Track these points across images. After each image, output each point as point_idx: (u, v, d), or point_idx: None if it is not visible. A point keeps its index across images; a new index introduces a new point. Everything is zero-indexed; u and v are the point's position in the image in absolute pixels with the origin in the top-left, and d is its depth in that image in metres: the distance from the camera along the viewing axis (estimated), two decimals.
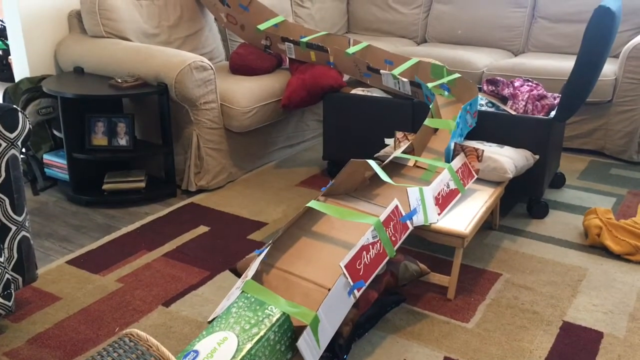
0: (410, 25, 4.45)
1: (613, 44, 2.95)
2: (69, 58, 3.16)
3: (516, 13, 4.08)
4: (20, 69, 3.17)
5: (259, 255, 1.89)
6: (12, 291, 1.94)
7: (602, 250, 2.50)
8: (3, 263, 1.87)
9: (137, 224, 2.72)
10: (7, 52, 5.20)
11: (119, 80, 2.85)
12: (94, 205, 2.92)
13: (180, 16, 3.42)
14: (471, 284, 2.26)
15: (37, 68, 3.16)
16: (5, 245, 1.90)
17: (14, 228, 1.90)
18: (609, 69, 3.36)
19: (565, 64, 3.51)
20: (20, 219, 1.91)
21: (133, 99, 3.14)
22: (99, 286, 2.23)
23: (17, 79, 3.15)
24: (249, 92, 3.11)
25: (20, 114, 1.88)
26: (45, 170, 3.12)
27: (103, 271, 2.34)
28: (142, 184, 2.99)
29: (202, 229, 2.68)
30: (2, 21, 5.14)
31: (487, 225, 2.68)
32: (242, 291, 1.72)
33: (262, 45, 3.40)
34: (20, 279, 1.97)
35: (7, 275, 1.89)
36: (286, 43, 3.29)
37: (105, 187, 2.95)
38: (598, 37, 2.44)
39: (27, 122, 1.91)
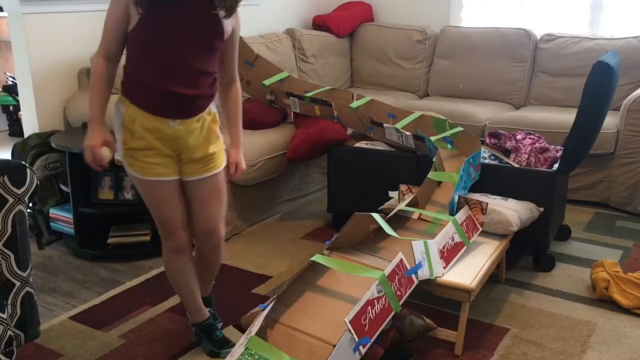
0: (413, 80, 4.53)
1: (613, 98, 2.99)
2: (78, 114, 3.22)
3: (516, 67, 4.16)
4: (30, 125, 3.23)
5: (263, 310, 1.87)
6: (14, 348, 1.91)
7: (610, 304, 2.47)
8: (6, 320, 1.86)
9: (142, 278, 2.71)
10: (17, 107, 5.30)
11: None
12: (99, 259, 2.92)
13: None
14: (479, 340, 2.22)
15: (46, 124, 3.21)
16: (9, 301, 1.89)
17: (18, 284, 1.90)
18: (611, 121, 3.40)
19: (566, 117, 3.55)
20: (24, 274, 1.91)
21: None
22: (102, 342, 2.21)
23: (26, 135, 3.20)
24: (255, 146, 3.15)
25: (28, 170, 1.90)
26: (51, 224, 3.13)
27: (106, 327, 2.31)
28: (147, 238, 2.99)
29: None
30: (12, 77, 5.25)
31: (493, 278, 2.65)
32: (246, 348, 1.69)
33: (267, 100, 3.47)
34: (22, 335, 1.95)
35: (9, 332, 1.88)
36: (291, 98, 3.35)
37: (110, 241, 2.96)
38: (597, 92, 2.48)
39: (35, 178, 1.93)
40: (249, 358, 1.65)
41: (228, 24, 1.88)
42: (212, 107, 1.98)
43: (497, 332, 2.27)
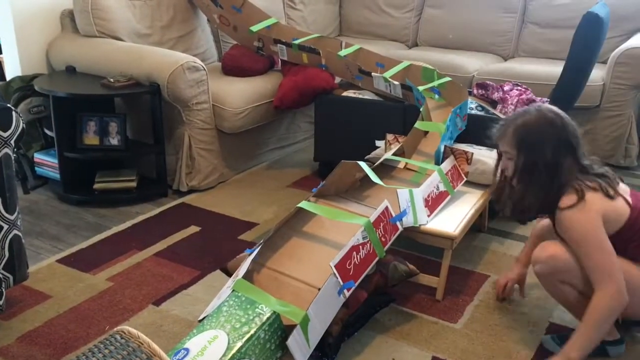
0: (402, 29, 4.48)
1: (601, 50, 2.99)
2: (61, 57, 3.16)
3: (506, 18, 4.12)
4: (12, 68, 3.17)
5: (249, 254, 1.90)
6: (3, 289, 1.94)
7: None
8: None
9: (128, 224, 2.73)
10: None
11: (111, 79, 2.85)
12: (85, 204, 2.92)
13: (173, 17, 3.43)
14: (460, 285, 2.28)
15: (29, 67, 3.15)
16: None
17: (5, 227, 1.91)
18: (597, 74, 3.40)
19: (554, 69, 3.53)
20: (12, 217, 1.92)
21: (125, 99, 3.14)
22: (90, 285, 2.24)
23: (8, 78, 3.14)
24: (241, 93, 3.13)
25: (14, 113, 1.88)
26: (36, 169, 3.11)
27: (93, 270, 2.34)
28: (133, 184, 2.99)
29: (193, 228, 2.69)
30: None
31: (475, 227, 2.70)
32: (233, 290, 1.73)
33: (255, 47, 3.42)
34: (11, 277, 1.97)
35: None
36: (278, 45, 3.31)
37: (96, 186, 2.96)
38: (586, 43, 2.48)
39: (21, 121, 1.91)
40: (236, 300, 1.69)
41: None
42: None
43: (478, 279, 2.33)
